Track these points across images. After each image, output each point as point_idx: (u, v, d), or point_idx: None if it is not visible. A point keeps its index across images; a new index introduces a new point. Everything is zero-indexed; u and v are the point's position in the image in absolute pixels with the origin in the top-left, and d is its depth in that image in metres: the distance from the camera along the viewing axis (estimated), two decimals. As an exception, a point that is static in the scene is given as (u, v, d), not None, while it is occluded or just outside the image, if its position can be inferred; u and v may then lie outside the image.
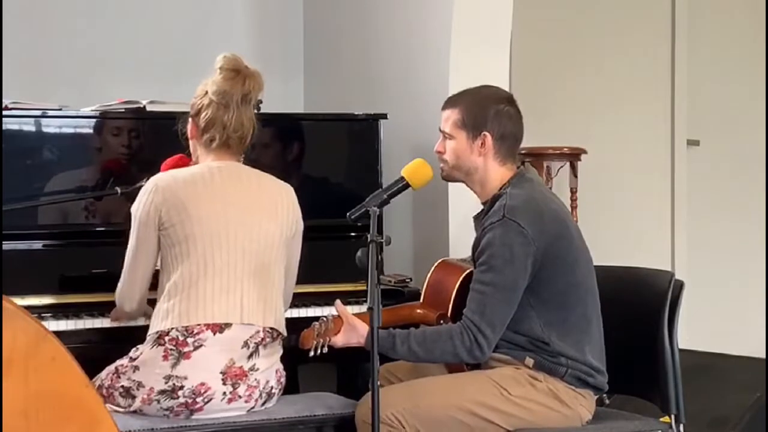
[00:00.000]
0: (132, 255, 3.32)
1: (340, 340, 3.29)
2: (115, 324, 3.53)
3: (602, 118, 5.53)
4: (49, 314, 3.54)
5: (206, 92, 3.36)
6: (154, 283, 3.36)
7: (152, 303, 3.37)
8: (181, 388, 3.21)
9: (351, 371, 3.95)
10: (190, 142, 3.43)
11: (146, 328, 3.30)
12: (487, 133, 3.33)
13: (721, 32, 5.93)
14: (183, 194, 3.26)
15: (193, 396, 3.22)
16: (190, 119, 3.41)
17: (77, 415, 2.43)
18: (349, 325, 3.28)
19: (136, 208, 3.31)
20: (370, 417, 2.98)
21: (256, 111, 3.41)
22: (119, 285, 3.37)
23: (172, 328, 3.21)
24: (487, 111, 3.34)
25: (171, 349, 3.21)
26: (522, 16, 4.61)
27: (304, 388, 4.00)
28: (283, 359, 3.41)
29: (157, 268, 3.35)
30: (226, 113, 3.33)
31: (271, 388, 3.35)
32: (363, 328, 3.24)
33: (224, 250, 3.26)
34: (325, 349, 3.26)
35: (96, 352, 3.41)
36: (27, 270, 3.64)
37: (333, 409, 3.45)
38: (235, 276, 3.26)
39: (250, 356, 3.27)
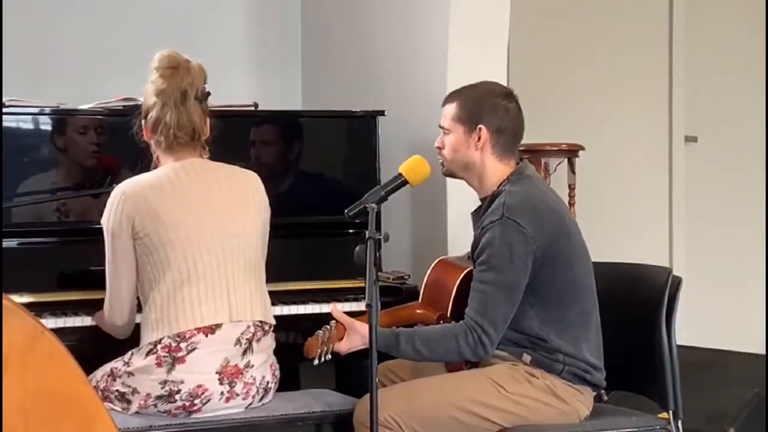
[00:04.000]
0: (112, 269, 3.27)
1: (344, 347, 3.29)
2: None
3: (600, 114, 5.53)
4: (46, 311, 3.53)
5: (150, 93, 3.32)
6: None
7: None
8: (178, 392, 3.20)
9: (350, 368, 3.94)
10: (150, 143, 3.38)
11: (140, 325, 3.29)
12: (482, 127, 3.33)
13: (719, 28, 5.93)
14: (152, 200, 3.22)
15: (191, 398, 3.21)
16: (143, 121, 3.36)
17: (75, 411, 2.43)
18: (351, 329, 3.28)
19: (107, 220, 3.26)
20: (368, 419, 2.99)
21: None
22: (106, 301, 3.33)
23: (164, 337, 3.19)
24: (484, 105, 3.34)
25: (164, 356, 3.19)
26: (519, 13, 4.60)
27: (303, 384, 4.00)
28: (281, 356, 3.41)
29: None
30: (168, 113, 3.28)
31: (267, 383, 3.35)
32: (364, 329, 3.22)
33: (204, 252, 3.23)
34: (329, 356, 3.26)
35: (92, 350, 3.40)
36: (24, 267, 3.64)
37: (332, 406, 3.45)
38: (219, 276, 3.25)
39: (244, 353, 3.26)
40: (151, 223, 3.21)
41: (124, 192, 3.25)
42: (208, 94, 3.36)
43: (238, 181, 3.37)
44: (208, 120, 3.35)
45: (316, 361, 3.25)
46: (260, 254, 3.37)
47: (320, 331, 3.27)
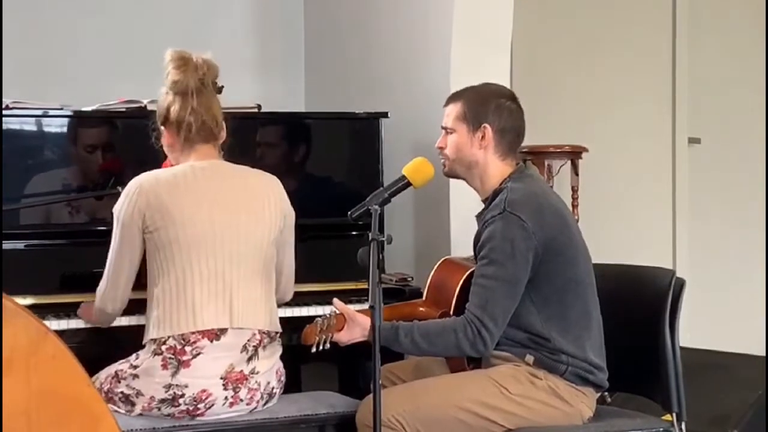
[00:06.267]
0: (115, 256, 3.28)
1: (344, 337, 3.28)
2: (88, 324, 3.49)
3: (603, 116, 5.53)
4: (50, 313, 3.53)
5: (167, 92, 3.33)
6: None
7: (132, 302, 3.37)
8: (182, 396, 3.20)
9: (353, 370, 3.95)
10: (170, 154, 3.39)
11: (143, 327, 3.29)
12: (487, 126, 3.34)
13: (723, 30, 5.93)
14: (166, 197, 3.22)
15: (195, 403, 3.21)
16: (162, 129, 3.36)
17: (78, 413, 2.42)
18: (352, 321, 3.28)
19: (119, 210, 3.27)
20: (371, 419, 2.98)
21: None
22: (101, 285, 3.33)
23: (169, 337, 3.19)
24: (488, 104, 3.36)
25: (170, 358, 3.19)
26: (523, 15, 4.60)
27: (306, 386, 4.00)
28: (284, 358, 3.41)
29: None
30: (191, 99, 3.28)
31: (272, 388, 3.35)
32: (366, 321, 3.23)
33: (211, 255, 3.23)
34: (328, 345, 3.26)
35: (95, 352, 3.40)
36: (27, 269, 3.64)
37: (335, 408, 3.45)
38: (224, 281, 3.24)
39: (250, 359, 3.26)
40: (161, 219, 3.21)
41: (141, 185, 3.26)
42: (222, 87, 3.37)
43: (255, 185, 3.37)
44: (224, 118, 3.36)
45: (314, 349, 3.23)
46: (270, 261, 3.36)
47: (319, 319, 3.26)
